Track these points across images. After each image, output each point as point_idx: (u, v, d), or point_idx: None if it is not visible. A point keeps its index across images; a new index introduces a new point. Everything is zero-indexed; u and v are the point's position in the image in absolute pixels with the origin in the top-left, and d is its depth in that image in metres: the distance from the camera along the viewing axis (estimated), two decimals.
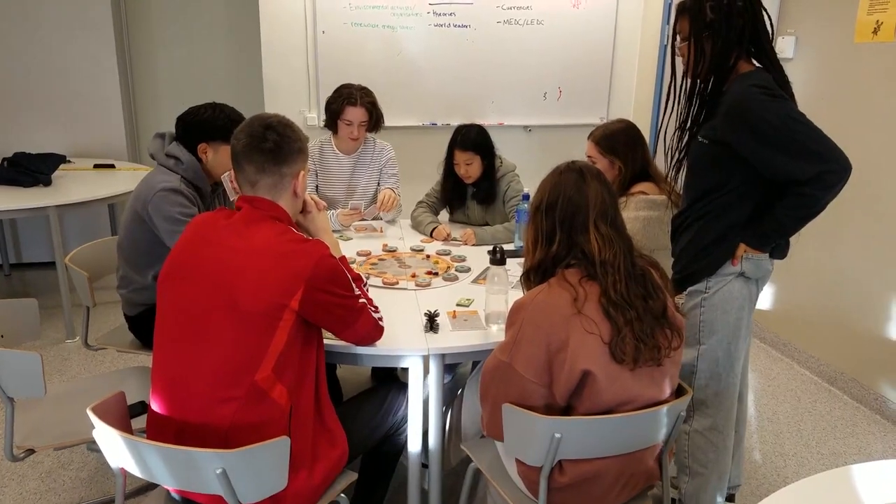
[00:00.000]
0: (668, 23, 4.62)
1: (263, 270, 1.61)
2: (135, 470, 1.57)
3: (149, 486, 2.57)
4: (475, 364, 2.66)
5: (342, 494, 1.84)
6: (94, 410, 1.60)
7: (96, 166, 4.43)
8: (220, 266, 1.63)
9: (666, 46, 4.64)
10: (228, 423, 1.60)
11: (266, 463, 1.53)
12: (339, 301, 1.74)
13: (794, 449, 2.96)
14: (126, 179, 4.22)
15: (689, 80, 2.08)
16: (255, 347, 1.59)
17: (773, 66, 2.01)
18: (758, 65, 2.02)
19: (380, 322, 1.91)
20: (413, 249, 2.89)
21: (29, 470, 2.68)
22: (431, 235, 3.06)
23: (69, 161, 4.39)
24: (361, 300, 1.84)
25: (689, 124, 2.11)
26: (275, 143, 1.73)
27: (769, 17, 2.00)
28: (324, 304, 1.69)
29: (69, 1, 4.63)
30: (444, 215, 3.37)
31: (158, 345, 1.70)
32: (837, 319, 3.46)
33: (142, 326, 2.62)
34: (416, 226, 3.19)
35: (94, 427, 2.06)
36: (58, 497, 2.54)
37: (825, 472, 1.46)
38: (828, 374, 3.52)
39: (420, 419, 2.07)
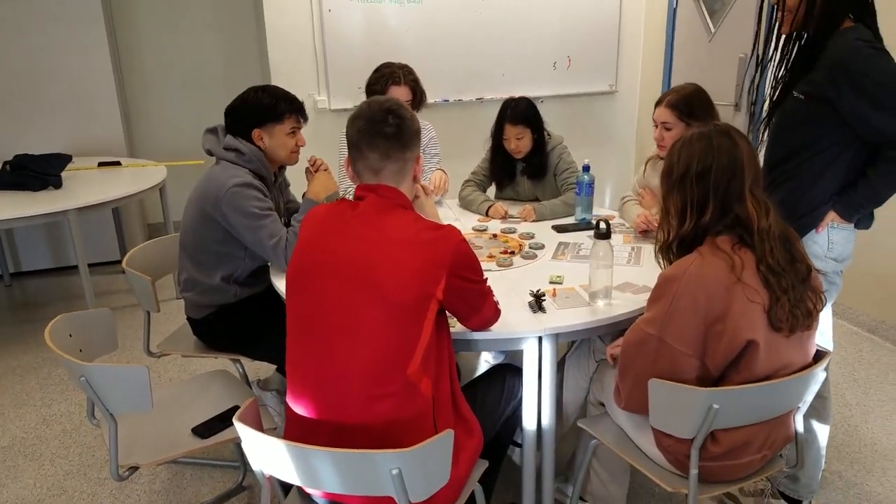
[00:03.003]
0: None
1: (406, 260, 1.55)
2: (293, 478, 1.50)
3: (236, 490, 2.50)
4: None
5: (478, 483, 1.79)
6: (241, 419, 1.52)
7: (101, 164, 4.24)
8: (361, 258, 1.56)
9: (675, 10, 4.62)
10: (384, 421, 1.54)
11: (435, 459, 1.47)
12: (474, 287, 1.69)
13: (855, 398, 3.02)
14: (134, 177, 4.04)
15: (790, 32, 2.04)
16: (407, 340, 1.53)
17: (872, 20, 1.99)
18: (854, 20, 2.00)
19: (497, 306, 1.86)
20: (476, 230, 2.83)
21: (98, 487, 2.57)
22: (487, 214, 3.00)
23: (72, 160, 4.18)
24: (488, 283, 1.78)
25: (787, 79, 2.09)
26: (397, 127, 1.65)
27: None
28: (461, 290, 1.63)
29: None
30: (490, 192, 3.30)
31: (298, 346, 1.61)
32: (871, 269, 3.52)
33: (208, 329, 2.51)
34: (468, 205, 3.12)
35: (201, 438, 2.02)
36: None
37: None
38: (867, 324, 3.60)
39: (535, 402, 2.03)
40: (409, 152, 1.68)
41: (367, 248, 1.57)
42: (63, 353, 1.85)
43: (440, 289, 1.55)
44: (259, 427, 1.62)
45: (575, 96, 5.03)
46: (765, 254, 1.60)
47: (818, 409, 2.24)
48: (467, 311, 1.74)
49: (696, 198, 1.64)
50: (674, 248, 1.71)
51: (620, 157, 5.29)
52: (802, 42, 2.03)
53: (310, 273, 1.60)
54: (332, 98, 4.51)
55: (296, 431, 1.63)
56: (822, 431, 2.28)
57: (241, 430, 1.51)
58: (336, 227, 1.63)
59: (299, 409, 1.60)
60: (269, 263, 2.44)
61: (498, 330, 1.91)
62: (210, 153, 2.45)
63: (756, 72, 2.12)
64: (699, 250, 1.64)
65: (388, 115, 1.65)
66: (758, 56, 2.14)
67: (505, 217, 2.96)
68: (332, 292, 1.56)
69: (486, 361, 3.19)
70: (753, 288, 1.58)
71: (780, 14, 2.04)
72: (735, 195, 1.62)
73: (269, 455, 1.50)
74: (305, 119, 2.47)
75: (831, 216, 2.05)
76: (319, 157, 2.59)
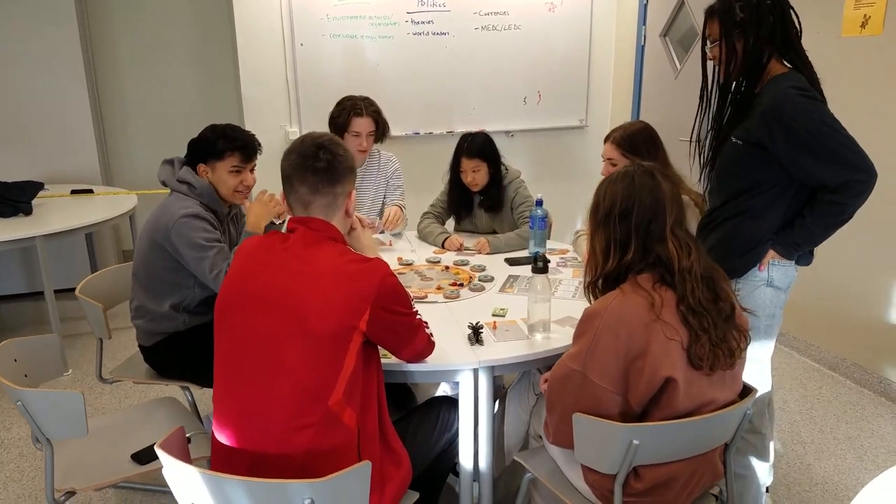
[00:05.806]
0: (644, 23, 4.70)
1: (331, 292, 1.58)
2: None
3: None
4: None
5: None
6: (162, 447, 1.54)
7: (73, 192, 4.28)
8: (288, 290, 1.59)
9: (643, 47, 4.72)
10: (304, 451, 1.56)
11: (350, 489, 1.49)
12: (401, 319, 1.72)
13: (811, 435, 3.03)
14: (106, 205, 4.09)
15: (721, 81, 2.11)
16: (328, 371, 1.56)
17: (804, 64, 2.05)
18: (789, 66, 2.06)
19: (431, 338, 1.90)
20: (429, 262, 2.87)
21: None
22: (443, 246, 3.05)
23: (45, 188, 4.22)
24: (418, 316, 1.82)
25: (721, 125, 2.15)
26: (328, 163, 1.69)
27: (796, 15, 2.05)
28: (388, 323, 1.66)
29: (35, 25, 4.48)
30: (449, 224, 3.35)
31: (223, 376, 1.64)
32: (835, 307, 3.56)
33: (158, 356, 2.53)
34: (425, 237, 3.17)
35: (140, 464, 2.03)
36: None
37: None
38: (829, 361, 3.62)
39: (472, 434, 2.05)
40: (340, 187, 1.72)
41: (292, 279, 1.60)
42: (3, 378, 1.87)
43: (363, 320, 1.58)
44: (185, 454, 1.64)
45: (545, 130, 5.11)
46: (685, 293, 1.62)
47: (756, 446, 2.26)
48: (397, 343, 1.77)
49: (619, 236, 1.67)
50: (599, 284, 1.75)
51: (591, 190, 5.28)
52: (733, 87, 2.09)
53: (236, 304, 1.64)
54: (303, 130, 4.57)
55: (219, 460, 1.65)
56: (761, 469, 2.29)
57: (163, 457, 1.53)
58: (264, 258, 1.67)
59: (223, 437, 1.63)
60: None
61: (434, 361, 1.94)
62: (164, 184, 2.50)
63: (694, 121, 2.20)
64: (621, 287, 1.67)
65: (318, 151, 1.69)
66: (702, 100, 2.22)
67: (460, 249, 3.01)
68: (256, 323, 1.59)
69: (443, 392, 3.21)
70: (672, 326, 1.60)
71: (718, 67, 2.12)
72: (656, 235, 1.65)
73: (187, 483, 1.52)
74: (249, 158, 2.46)
75: (771, 254, 2.09)
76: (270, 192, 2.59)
